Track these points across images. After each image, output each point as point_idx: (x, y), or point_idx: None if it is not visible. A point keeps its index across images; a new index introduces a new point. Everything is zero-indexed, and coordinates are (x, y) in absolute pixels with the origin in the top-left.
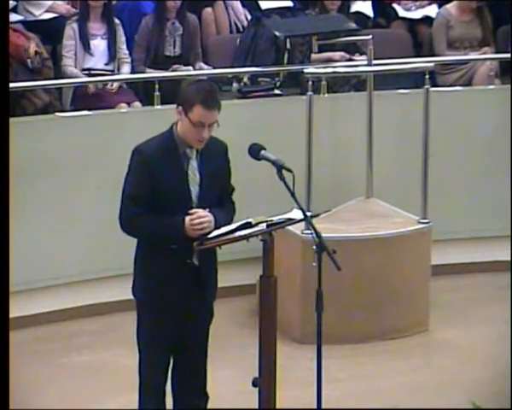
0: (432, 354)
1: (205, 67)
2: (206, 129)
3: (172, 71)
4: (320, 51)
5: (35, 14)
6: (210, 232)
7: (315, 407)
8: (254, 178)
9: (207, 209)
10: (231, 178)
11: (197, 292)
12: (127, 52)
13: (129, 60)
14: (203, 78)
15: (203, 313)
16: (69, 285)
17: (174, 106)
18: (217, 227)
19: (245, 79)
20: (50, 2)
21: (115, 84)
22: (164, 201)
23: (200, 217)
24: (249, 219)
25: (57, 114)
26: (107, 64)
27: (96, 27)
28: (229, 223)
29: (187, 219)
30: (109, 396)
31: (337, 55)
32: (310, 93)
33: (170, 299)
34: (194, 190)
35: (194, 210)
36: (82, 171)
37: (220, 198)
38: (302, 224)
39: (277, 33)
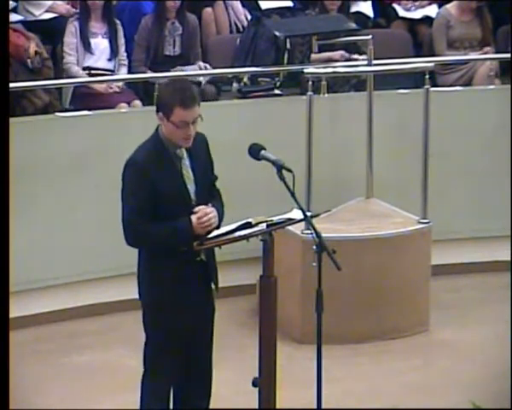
0: (432, 354)
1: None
2: (191, 126)
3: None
4: (320, 51)
5: (35, 14)
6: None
7: (315, 407)
8: (254, 178)
9: (210, 204)
10: (214, 169)
11: (205, 287)
12: (125, 54)
13: (126, 62)
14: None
15: (209, 306)
16: (69, 285)
17: None
18: (219, 218)
19: (245, 79)
20: (50, 2)
21: (119, 84)
22: (165, 205)
23: (207, 213)
24: (249, 219)
25: (57, 114)
26: (109, 60)
27: (97, 26)
28: (223, 211)
29: (194, 218)
30: (109, 396)
31: (337, 54)
32: (310, 93)
33: (184, 300)
34: (191, 188)
35: (198, 208)
36: (82, 171)
37: (210, 189)
38: (302, 224)
39: (277, 33)
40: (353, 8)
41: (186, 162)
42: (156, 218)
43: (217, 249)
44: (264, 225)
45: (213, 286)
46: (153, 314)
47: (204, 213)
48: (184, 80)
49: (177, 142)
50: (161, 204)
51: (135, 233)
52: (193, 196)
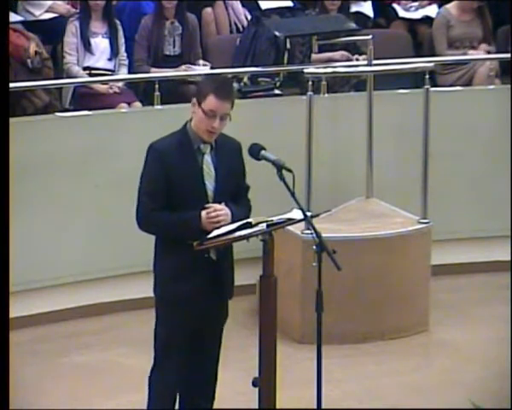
0: (432, 354)
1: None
2: (218, 120)
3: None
4: (320, 51)
5: (35, 14)
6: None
7: (315, 407)
8: (254, 178)
9: (223, 203)
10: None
11: (215, 288)
12: (125, 54)
13: (126, 62)
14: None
15: (220, 310)
16: (69, 285)
17: (174, 106)
18: (233, 222)
19: (245, 79)
20: (50, 2)
21: (118, 84)
22: (180, 196)
23: (217, 210)
24: (249, 219)
25: (57, 114)
26: (109, 60)
27: (98, 26)
28: (243, 218)
29: (203, 212)
30: (109, 396)
31: (337, 54)
32: (310, 93)
33: (187, 295)
34: (210, 185)
35: (210, 204)
36: (81, 171)
37: (236, 195)
38: (302, 224)
39: (277, 33)
40: (353, 8)
41: (208, 159)
42: (170, 207)
43: (233, 245)
44: (264, 225)
45: (226, 292)
46: (160, 308)
47: (214, 209)
48: (227, 76)
49: (201, 133)
50: (176, 194)
51: (145, 217)
52: (210, 192)
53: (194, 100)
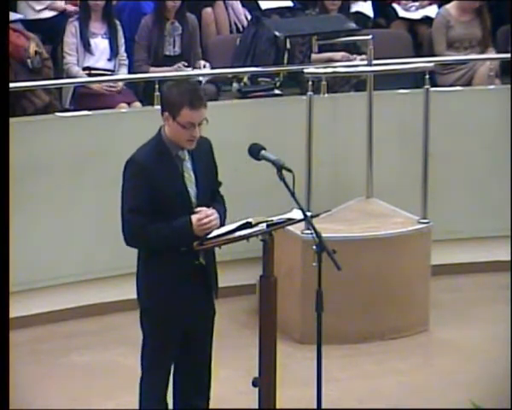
0: (432, 354)
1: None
2: (197, 128)
3: (175, 70)
4: (320, 51)
5: (35, 9)
6: (212, 231)
7: (315, 406)
8: (254, 178)
9: (211, 207)
10: (218, 173)
11: (205, 291)
12: (125, 54)
13: (126, 62)
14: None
15: (209, 311)
16: (69, 285)
17: None
18: (220, 222)
19: (245, 79)
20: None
21: (119, 84)
22: (165, 206)
23: (208, 215)
24: (249, 219)
25: (57, 114)
26: (109, 60)
27: (97, 27)
28: (225, 216)
29: (194, 218)
30: (109, 396)
31: (338, 55)
32: (310, 93)
33: (182, 303)
34: (192, 190)
35: (199, 209)
36: (81, 171)
37: (213, 193)
38: (302, 224)
39: (277, 33)
40: (353, 8)
41: (188, 164)
42: (156, 218)
43: (217, 250)
44: (264, 225)
45: (213, 293)
46: (150, 317)
47: (205, 214)
48: (192, 81)
49: (182, 143)
50: (161, 205)
51: (134, 233)
52: (193, 198)
53: (167, 114)
